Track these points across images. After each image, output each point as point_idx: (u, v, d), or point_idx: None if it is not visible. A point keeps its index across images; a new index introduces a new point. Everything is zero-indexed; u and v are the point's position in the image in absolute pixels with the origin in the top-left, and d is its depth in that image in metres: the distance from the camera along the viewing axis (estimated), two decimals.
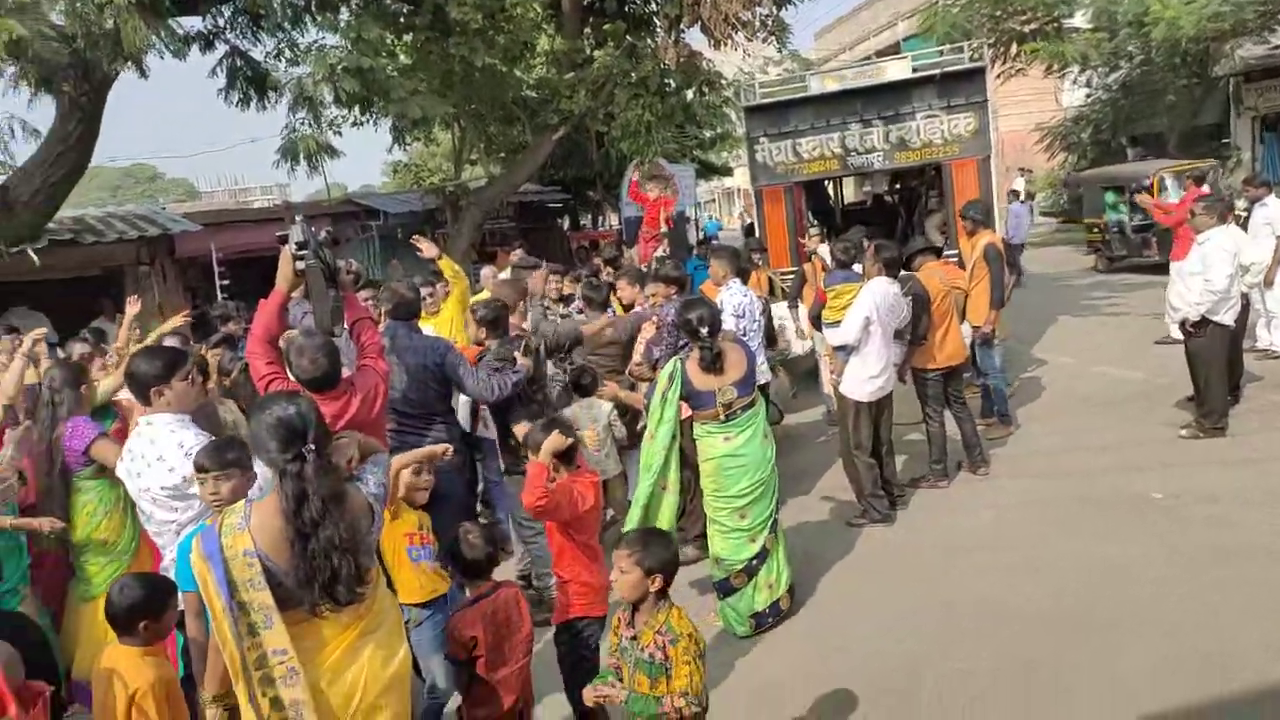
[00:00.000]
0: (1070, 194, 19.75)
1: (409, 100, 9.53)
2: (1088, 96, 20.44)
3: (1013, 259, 7.86)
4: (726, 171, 28.13)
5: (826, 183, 14.37)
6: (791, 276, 9.23)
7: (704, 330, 4.33)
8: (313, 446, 2.37)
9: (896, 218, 14.11)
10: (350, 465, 2.67)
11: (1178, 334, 8.18)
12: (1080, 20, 16.94)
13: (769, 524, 4.55)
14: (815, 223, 15.04)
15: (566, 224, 24.09)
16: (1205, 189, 10.57)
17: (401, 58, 11.83)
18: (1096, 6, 15.77)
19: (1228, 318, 6.40)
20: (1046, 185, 24.81)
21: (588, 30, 12.58)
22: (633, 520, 4.24)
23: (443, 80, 10.73)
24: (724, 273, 6.02)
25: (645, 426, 4.55)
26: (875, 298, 5.62)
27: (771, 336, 7.20)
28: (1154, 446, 6.41)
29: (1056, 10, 16.65)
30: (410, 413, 4.54)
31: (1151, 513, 5.38)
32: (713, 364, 4.35)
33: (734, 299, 5.89)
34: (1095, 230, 15.97)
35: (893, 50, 30.65)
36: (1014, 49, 17.79)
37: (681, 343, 4.71)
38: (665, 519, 4.28)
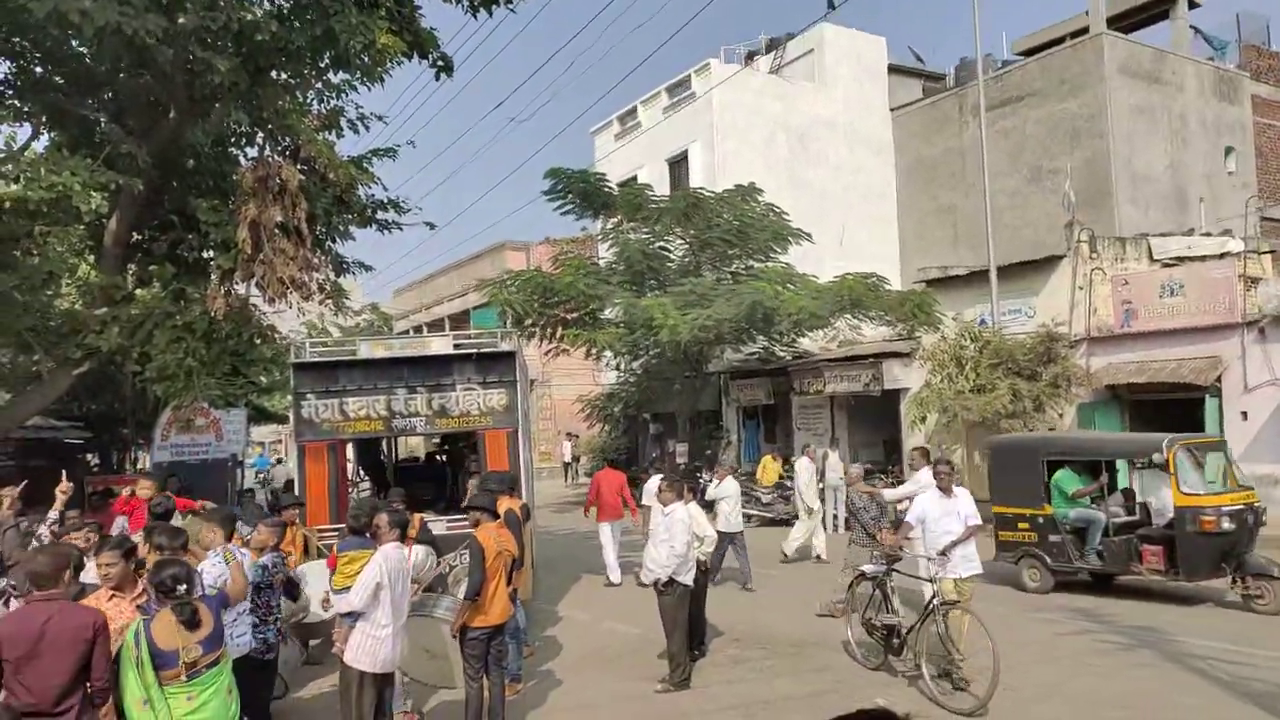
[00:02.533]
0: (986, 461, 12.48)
1: None
2: (618, 378, 23.89)
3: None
4: (283, 419, 27.35)
5: (381, 440, 14.78)
6: (335, 535, 9.13)
7: (180, 588, 4.38)
8: None
9: (445, 476, 14.84)
10: None
11: (616, 580, 12.06)
12: (611, 314, 20.21)
13: None
14: (365, 478, 15.22)
15: (97, 461, 21.26)
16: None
17: None
18: (622, 306, 18.94)
19: (688, 578, 7.70)
20: (587, 450, 27.86)
21: (132, 266, 12.05)
22: None
23: None
24: (212, 537, 5.81)
25: None
26: (387, 563, 5.87)
27: (294, 595, 7.00)
28: (634, 703, 7.26)
29: (592, 304, 19.80)
30: None
31: None
32: (190, 620, 4.35)
33: (214, 569, 5.64)
34: (1026, 527, 10.67)
35: (464, 316, 33.41)
36: (559, 331, 20.60)
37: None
38: None
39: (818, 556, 13.27)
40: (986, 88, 19.05)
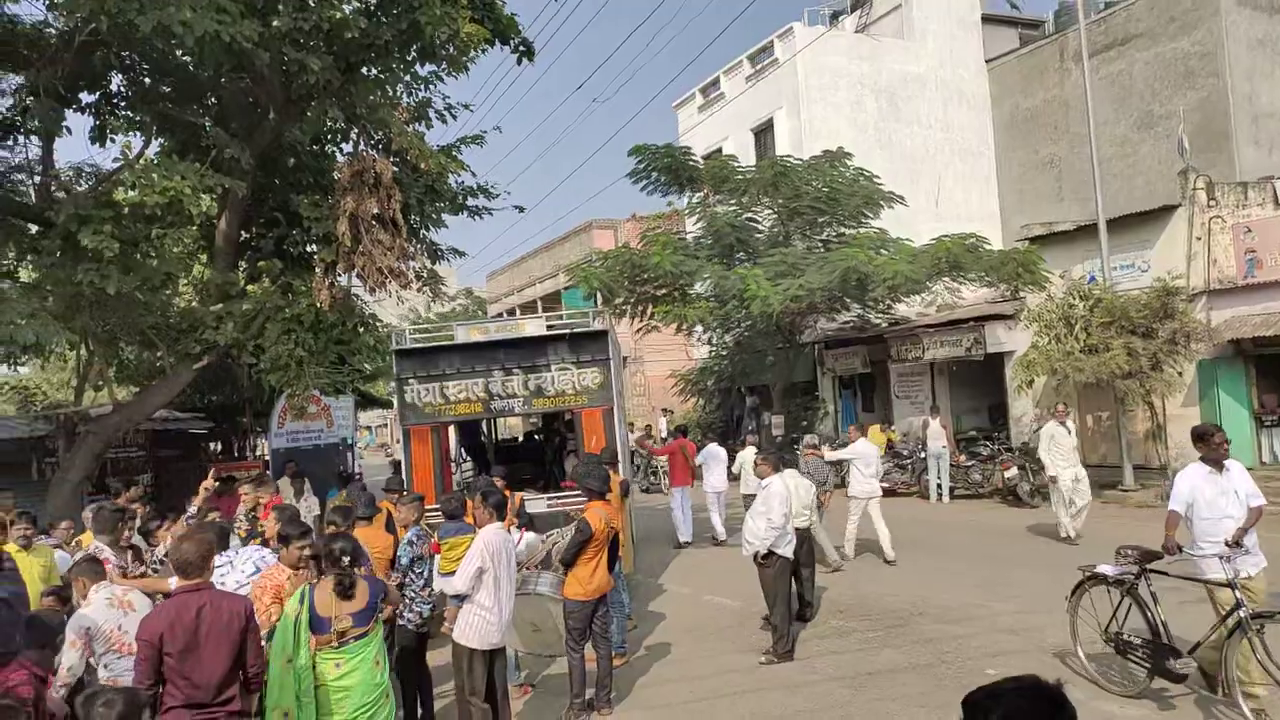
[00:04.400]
0: None
1: (21, 326, 8.81)
2: (710, 352, 23.79)
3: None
4: (388, 404, 28.33)
5: (481, 421, 15.15)
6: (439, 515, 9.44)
7: (345, 560, 4.74)
8: None
9: (543, 454, 15.12)
10: None
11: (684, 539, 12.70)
12: (701, 288, 20.09)
13: None
14: (467, 459, 15.64)
15: (220, 449, 22.57)
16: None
17: (24, 274, 11.02)
18: (712, 279, 18.80)
19: (787, 550, 7.65)
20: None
21: (243, 263, 12.64)
22: None
23: (69, 304, 10.11)
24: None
25: None
26: (488, 547, 6.01)
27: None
28: (738, 674, 7.28)
29: (681, 280, 19.71)
30: None
31: None
32: (347, 590, 4.70)
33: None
34: None
35: (555, 297, 33.83)
36: (649, 309, 20.60)
37: None
38: None
39: (1067, 537, 11.45)
40: (1089, 31, 18.02)
